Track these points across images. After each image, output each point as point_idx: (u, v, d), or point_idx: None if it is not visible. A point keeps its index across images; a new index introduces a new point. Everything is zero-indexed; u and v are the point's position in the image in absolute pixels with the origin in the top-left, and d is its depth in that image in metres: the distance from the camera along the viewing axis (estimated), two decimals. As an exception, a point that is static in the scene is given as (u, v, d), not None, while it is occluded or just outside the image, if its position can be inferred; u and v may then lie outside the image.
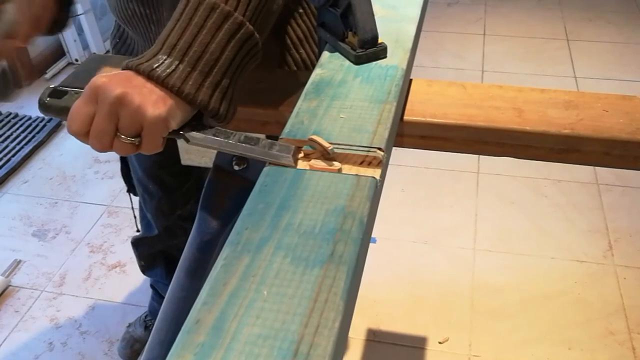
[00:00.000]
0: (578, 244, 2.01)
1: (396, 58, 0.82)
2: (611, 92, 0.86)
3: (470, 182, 2.29)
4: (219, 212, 0.94)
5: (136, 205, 1.48)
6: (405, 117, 0.82)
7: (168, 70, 0.63)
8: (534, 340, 1.71)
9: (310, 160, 0.64)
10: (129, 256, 1.98)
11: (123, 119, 0.62)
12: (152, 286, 1.67)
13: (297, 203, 0.58)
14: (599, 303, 1.81)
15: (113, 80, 0.62)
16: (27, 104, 2.81)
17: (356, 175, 0.62)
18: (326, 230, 0.55)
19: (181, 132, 0.65)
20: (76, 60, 3.09)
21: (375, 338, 1.74)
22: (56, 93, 0.68)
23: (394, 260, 1.97)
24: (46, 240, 2.10)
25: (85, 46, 3.10)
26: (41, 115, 2.68)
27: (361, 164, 0.64)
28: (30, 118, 2.69)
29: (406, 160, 2.35)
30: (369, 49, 0.80)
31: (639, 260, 1.94)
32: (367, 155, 0.64)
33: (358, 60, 0.81)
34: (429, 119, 0.81)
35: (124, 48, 1.11)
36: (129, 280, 1.93)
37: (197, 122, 0.67)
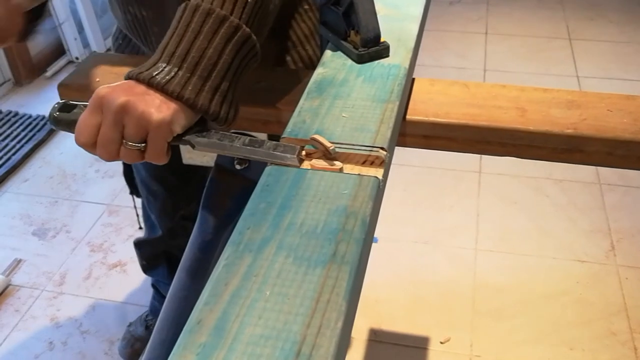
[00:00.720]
0: (580, 244, 2.01)
1: (399, 57, 0.81)
2: (613, 91, 0.86)
3: (472, 182, 2.29)
4: (220, 211, 0.93)
5: (138, 204, 1.48)
6: (408, 117, 0.81)
7: (167, 77, 0.64)
8: (536, 340, 1.71)
9: (312, 160, 0.64)
10: (130, 255, 1.98)
11: (128, 125, 0.63)
12: (153, 285, 1.66)
13: (299, 203, 0.58)
14: (600, 303, 1.81)
15: (116, 89, 0.63)
16: (28, 103, 2.81)
17: (358, 175, 0.61)
18: (328, 230, 0.55)
19: (186, 138, 0.66)
20: (76, 58, 3.09)
21: (376, 338, 1.73)
22: (65, 107, 0.69)
23: (395, 260, 1.97)
24: (46, 240, 2.09)
25: (86, 44, 3.10)
26: (41, 113, 2.68)
27: (363, 163, 0.63)
28: (30, 117, 2.69)
29: (408, 160, 2.35)
30: (372, 48, 0.80)
31: (641, 261, 1.94)
32: (369, 155, 0.64)
33: (360, 59, 0.80)
34: (431, 119, 0.81)
35: (128, 49, 1.11)
36: (129, 280, 1.93)
37: (201, 127, 0.67)
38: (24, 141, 2.55)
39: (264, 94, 0.88)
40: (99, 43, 3.10)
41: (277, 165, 0.63)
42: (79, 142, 0.65)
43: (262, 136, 0.87)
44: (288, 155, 0.63)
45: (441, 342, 1.71)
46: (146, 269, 1.57)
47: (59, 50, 3.09)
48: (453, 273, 1.92)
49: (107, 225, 2.14)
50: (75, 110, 0.68)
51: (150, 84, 0.63)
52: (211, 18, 0.66)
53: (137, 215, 1.51)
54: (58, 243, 2.08)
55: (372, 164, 0.63)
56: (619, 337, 1.71)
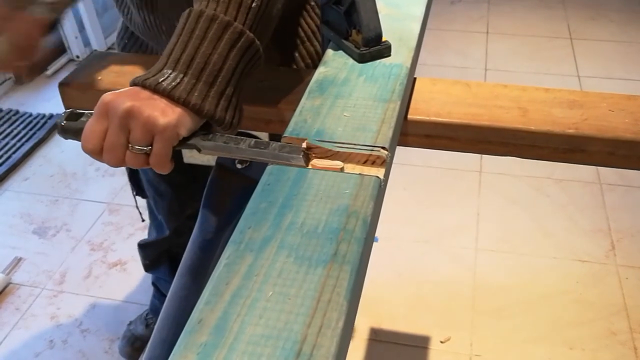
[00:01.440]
0: (580, 244, 2.01)
1: (400, 56, 0.81)
2: (614, 91, 0.85)
3: (473, 182, 2.29)
4: (221, 211, 0.93)
5: (139, 202, 1.48)
6: (409, 116, 0.81)
7: (173, 83, 0.64)
8: (536, 339, 1.71)
9: (312, 160, 0.64)
10: (130, 254, 1.98)
11: (134, 129, 0.63)
12: (153, 284, 1.66)
13: (300, 202, 0.58)
14: (600, 303, 1.81)
15: (121, 95, 0.64)
16: (28, 101, 2.81)
17: (360, 174, 0.61)
18: (329, 230, 0.55)
19: (191, 142, 0.66)
20: (77, 57, 3.08)
21: (376, 337, 1.73)
22: (72, 116, 0.70)
23: (396, 259, 1.96)
24: (47, 238, 2.09)
25: (87, 43, 3.10)
26: (42, 112, 2.68)
27: (365, 163, 0.63)
28: (30, 115, 2.69)
29: (409, 159, 2.35)
30: (373, 47, 0.80)
31: (642, 260, 1.94)
32: (370, 155, 0.63)
33: (362, 59, 0.80)
34: (433, 118, 0.81)
35: (134, 48, 1.11)
36: (129, 278, 1.93)
37: (205, 130, 0.68)
38: (24, 140, 2.54)
39: (266, 93, 0.87)
40: (99, 41, 3.10)
41: (278, 165, 0.63)
42: (86, 149, 0.66)
43: (263, 135, 0.87)
44: (294, 156, 0.63)
45: (441, 342, 1.71)
46: (148, 267, 1.57)
47: (59, 49, 3.09)
48: (453, 272, 1.92)
49: (107, 224, 2.14)
50: (82, 119, 0.69)
51: (157, 90, 0.64)
52: (215, 24, 0.66)
53: (140, 213, 1.50)
54: (58, 242, 2.08)
55: (373, 163, 0.63)
56: (618, 336, 1.71)
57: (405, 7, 0.93)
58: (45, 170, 2.42)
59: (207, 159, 0.99)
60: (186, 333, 0.47)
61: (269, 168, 0.63)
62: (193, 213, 1.34)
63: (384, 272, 1.91)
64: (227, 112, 0.67)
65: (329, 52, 0.84)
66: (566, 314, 1.78)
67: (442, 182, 2.29)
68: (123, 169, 1.37)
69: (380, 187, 0.61)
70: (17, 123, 2.64)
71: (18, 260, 2.00)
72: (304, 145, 0.65)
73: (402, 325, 1.76)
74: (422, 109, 0.82)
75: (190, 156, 1.00)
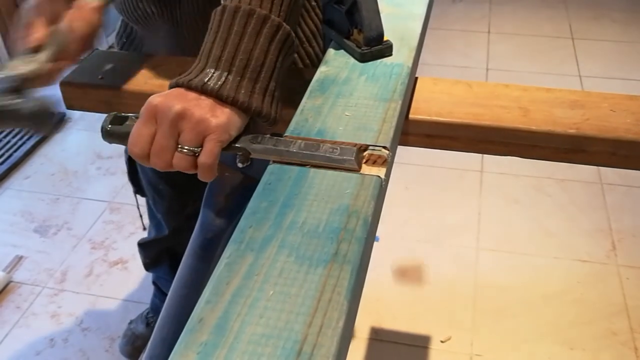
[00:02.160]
0: (581, 244, 2.00)
1: (402, 56, 0.81)
2: (616, 91, 0.85)
3: (474, 181, 2.29)
4: (222, 210, 0.93)
5: (140, 202, 1.48)
6: (411, 116, 0.81)
7: (220, 83, 0.64)
8: (536, 339, 1.71)
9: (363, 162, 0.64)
10: (131, 253, 1.98)
11: (185, 132, 0.63)
12: (154, 283, 1.66)
13: (301, 202, 0.58)
14: (601, 303, 1.81)
15: (169, 97, 0.63)
16: (30, 100, 2.81)
17: (361, 174, 0.61)
18: (330, 230, 0.55)
19: (240, 145, 0.65)
20: (79, 56, 3.08)
21: (377, 336, 1.73)
22: (117, 119, 0.69)
23: (397, 259, 1.96)
24: (48, 237, 2.09)
25: (88, 42, 3.10)
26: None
27: (366, 162, 0.63)
28: (32, 113, 2.69)
29: (410, 159, 2.35)
30: (375, 47, 0.80)
31: (642, 261, 1.94)
32: (372, 154, 0.63)
33: (363, 58, 0.80)
34: (434, 118, 0.81)
35: (132, 47, 1.11)
36: (130, 277, 1.93)
37: (249, 133, 0.67)
38: (25, 138, 2.54)
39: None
40: (101, 40, 3.10)
41: (280, 164, 0.63)
42: (134, 153, 0.65)
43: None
44: (347, 158, 0.62)
45: (442, 341, 1.71)
46: (149, 266, 1.57)
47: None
48: (454, 272, 1.92)
49: (108, 223, 2.14)
50: (127, 122, 0.68)
51: (204, 90, 0.63)
52: (253, 19, 0.66)
53: (141, 216, 1.50)
54: (59, 240, 2.08)
55: (374, 163, 0.63)
56: (619, 337, 1.71)
57: (407, 7, 0.93)
58: (47, 168, 2.42)
59: None
60: (187, 332, 0.47)
61: (270, 167, 0.63)
62: (192, 212, 1.34)
63: (385, 272, 1.91)
64: (272, 107, 0.67)
65: (331, 51, 0.84)
66: (567, 314, 1.78)
67: (443, 182, 2.29)
68: (123, 167, 1.37)
69: (382, 187, 0.61)
70: (18, 121, 2.64)
71: (19, 259, 2.00)
72: (356, 147, 0.64)
73: (403, 325, 1.76)
74: (424, 109, 0.82)
75: None
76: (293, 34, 0.69)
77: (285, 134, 0.67)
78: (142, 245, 1.54)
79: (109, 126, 0.68)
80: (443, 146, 0.83)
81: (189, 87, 0.64)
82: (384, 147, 0.64)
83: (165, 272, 1.55)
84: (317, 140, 0.65)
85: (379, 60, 0.80)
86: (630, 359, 1.66)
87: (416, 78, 0.87)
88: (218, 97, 0.63)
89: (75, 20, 0.77)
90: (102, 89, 0.92)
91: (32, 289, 1.91)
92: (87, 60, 0.98)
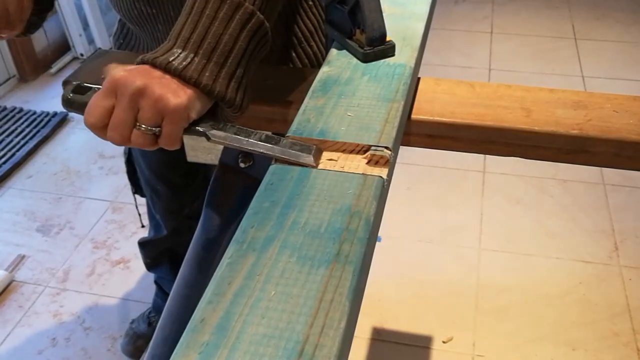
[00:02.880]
0: (583, 245, 2.00)
1: (404, 56, 0.81)
2: (619, 91, 0.85)
3: (476, 182, 2.28)
4: (224, 209, 0.93)
5: (140, 202, 1.48)
6: (413, 116, 0.81)
7: (184, 63, 0.63)
8: (538, 340, 1.71)
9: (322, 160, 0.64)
10: (133, 252, 1.98)
11: (144, 109, 0.62)
12: (156, 282, 1.66)
13: (303, 202, 0.58)
14: (603, 304, 1.80)
15: (132, 73, 0.63)
16: (32, 99, 2.82)
17: (363, 174, 0.61)
18: (332, 230, 0.54)
19: (202, 130, 0.65)
20: (81, 55, 3.09)
21: (379, 337, 1.73)
22: (79, 89, 0.69)
23: (399, 259, 1.96)
24: (50, 236, 2.10)
25: (91, 41, 3.10)
26: (46, 110, 2.68)
27: (368, 163, 0.63)
28: (34, 113, 2.69)
29: (412, 159, 2.35)
30: (377, 47, 0.80)
31: (645, 262, 1.93)
32: (374, 154, 0.63)
33: (366, 58, 0.80)
34: (436, 118, 0.81)
35: (128, 48, 1.11)
36: (132, 277, 1.93)
37: (214, 120, 0.67)
38: (28, 137, 2.55)
39: (269, 92, 0.87)
40: (103, 39, 3.10)
41: (282, 164, 0.63)
42: (88, 123, 0.64)
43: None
44: (304, 154, 0.62)
45: (444, 342, 1.71)
46: (150, 266, 1.58)
47: (63, 46, 3.09)
48: (456, 272, 1.92)
49: (110, 222, 2.14)
50: (89, 93, 0.68)
51: (168, 69, 0.63)
52: (226, 4, 0.65)
53: (139, 215, 1.50)
54: (62, 239, 2.08)
55: (376, 163, 0.63)
56: (621, 337, 1.71)
57: (410, 7, 0.93)
58: (49, 168, 2.42)
59: (210, 158, 0.99)
60: (188, 332, 0.47)
61: (272, 167, 0.63)
62: (191, 213, 1.34)
63: (387, 272, 1.91)
64: (237, 94, 0.66)
65: (333, 51, 0.84)
66: (569, 315, 1.77)
67: (445, 182, 2.29)
68: (125, 169, 1.37)
69: (384, 187, 0.61)
70: (21, 121, 2.65)
71: (21, 258, 2.00)
72: (315, 144, 0.64)
73: (405, 325, 1.76)
74: (426, 109, 0.82)
75: (194, 155, 1.00)
76: (267, 25, 0.68)
77: (287, 134, 0.67)
78: (142, 245, 1.54)
79: (70, 95, 0.68)
80: (445, 146, 0.83)
81: (153, 64, 0.64)
82: (386, 148, 0.64)
83: (166, 272, 1.56)
84: (281, 135, 0.65)
85: (381, 61, 0.80)
86: (633, 359, 1.66)
87: (418, 78, 0.87)
88: (182, 77, 0.63)
89: None
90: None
91: (34, 288, 1.91)
92: (89, 60, 0.98)
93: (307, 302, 0.48)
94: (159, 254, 1.52)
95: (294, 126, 0.68)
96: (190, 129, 0.66)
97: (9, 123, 2.64)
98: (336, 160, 0.63)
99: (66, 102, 0.69)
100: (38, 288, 1.91)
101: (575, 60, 3.04)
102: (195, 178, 1.29)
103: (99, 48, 3.07)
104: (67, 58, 3.07)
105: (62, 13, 2.95)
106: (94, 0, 3.00)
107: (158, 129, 0.64)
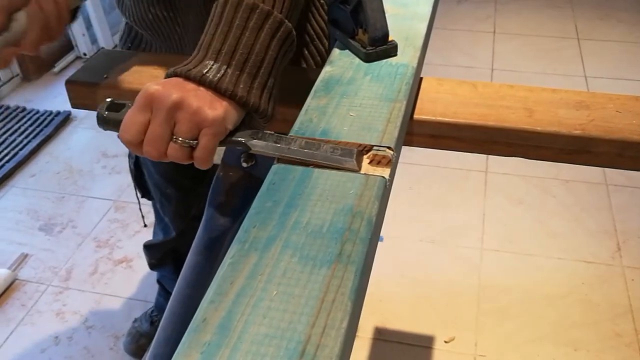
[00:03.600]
0: (586, 245, 2.00)
1: (407, 56, 0.81)
2: (621, 92, 0.85)
3: (479, 182, 2.28)
4: (226, 209, 0.93)
5: (142, 201, 1.48)
6: (415, 116, 0.81)
7: (219, 75, 0.63)
8: (540, 340, 1.71)
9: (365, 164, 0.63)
10: (136, 251, 1.98)
11: (181, 122, 0.62)
12: (158, 282, 1.67)
13: (305, 202, 0.58)
14: (606, 304, 1.80)
15: (166, 86, 0.62)
16: (35, 98, 2.82)
17: (365, 174, 0.61)
18: (334, 230, 0.54)
19: (243, 140, 0.65)
20: (84, 54, 3.09)
21: (381, 336, 1.73)
22: (113, 106, 0.68)
23: (400, 259, 1.96)
24: (53, 235, 2.10)
25: (94, 40, 3.11)
26: (49, 109, 2.69)
27: (370, 162, 0.63)
28: (37, 112, 2.70)
29: (414, 159, 2.35)
30: (380, 47, 0.80)
31: (648, 262, 1.93)
32: (376, 154, 0.63)
33: (368, 58, 0.80)
34: (439, 118, 0.81)
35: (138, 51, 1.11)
36: (135, 276, 1.93)
37: (246, 127, 0.66)
38: (31, 136, 2.55)
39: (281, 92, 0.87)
40: (107, 39, 3.10)
41: (285, 164, 0.63)
42: (125, 139, 0.64)
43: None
44: (347, 159, 0.61)
45: (445, 342, 1.71)
46: (154, 266, 1.58)
47: (67, 46, 3.10)
48: (458, 272, 1.92)
49: (113, 221, 2.14)
50: (123, 110, 0.67)
51: (202, 82, 0.63)
52: (256, 13, 0.65)
53: (142, 214, 1.50)
54: (64, 238, 2.08)
55: (378, 163, 0.63)
56: (624, 338, 1.70)
57: (412, 7, 0.93)
58: (52, 167, 2.42)
59: (215, 158, 0.99)
60: (190, 332, 0.47)
61: (274, 167, 0.63)
62: (197, 214, 1.34)
63: (389, 272, 1.91)
64: (269, 104, 0.66)
65: (335, 51, 0.84)
66: (571, 315, 1.77)
67: (447, 182, 2.29)
68: (128, 166, 1.37)
69: (386, 187, 0.61)
70: (24, 120, 2.65)
71: (24, 257, 2.01)
72: (357, 148, 0.63)
73: (407, 325, 1.76)
74: (428, 109, 0.82)
75: None
76: (294, 32, 0.68)
77: (290, 134, 0.67)
78: (148, 247, 1.54)
79: (105, 113, 0.68)
80: (447, 146, 0.83)
81: (187, 77, 0.63)
82: (389, 148, 0.64)
83: (170, 271, 1.56)
84: (319, 140, 0.65)
85: (383, 61, 0.80)
86: (635, 360, 1.66)
87: (421, 78, 0.87)
88: (217, 89, 0.63)
89: (38, 8, 0.76)
90: (107, 88, 0.92)
91: (37, 286, 1.91)
92: (93, 59, 0.99)
93: (309, 302, 0.48)
94: (164, 254, 1.52)
95: (296, 126, 0.69)
96: (227, 140, 0.65)
97: (12, 122, 2.64)
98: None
99: (102, 120, 0.68)
100: (41, 287, 1.91)
101: (578, 60, 3.03)
102: (203, 180, 1.29)
103: (102, 48, 3.07)
104: (70, 57, 3.08)
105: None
106: (97, 1, 3.00)
107: (195, 141, 0.63)
